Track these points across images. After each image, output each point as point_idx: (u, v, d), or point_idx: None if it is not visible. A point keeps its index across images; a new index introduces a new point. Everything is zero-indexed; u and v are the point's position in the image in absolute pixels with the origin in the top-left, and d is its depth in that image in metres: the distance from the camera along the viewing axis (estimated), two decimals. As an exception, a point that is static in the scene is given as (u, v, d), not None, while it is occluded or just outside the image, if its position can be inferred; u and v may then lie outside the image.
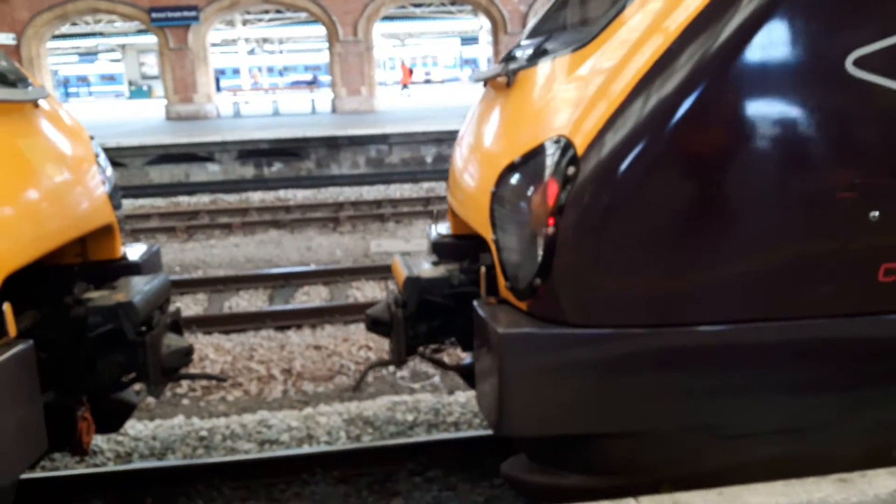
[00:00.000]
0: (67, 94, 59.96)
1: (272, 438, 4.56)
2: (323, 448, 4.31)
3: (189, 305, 8.02)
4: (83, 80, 67.31)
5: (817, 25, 2.40)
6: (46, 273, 3.37)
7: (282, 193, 15.75)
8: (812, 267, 2.50)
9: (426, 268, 3.40)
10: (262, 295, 8.33)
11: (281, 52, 57.38)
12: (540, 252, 2.51)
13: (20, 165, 2.92)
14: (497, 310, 2.71)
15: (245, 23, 41.18)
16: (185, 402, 5.47)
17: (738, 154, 2.43)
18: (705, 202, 2.44)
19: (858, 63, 2.39)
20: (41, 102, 3.32)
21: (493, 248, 2.81)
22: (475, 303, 2.82)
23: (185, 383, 5.67)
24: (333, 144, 18.54)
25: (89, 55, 62.59)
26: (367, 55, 27.89)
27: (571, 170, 2.44)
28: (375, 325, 3.43)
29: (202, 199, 15.48)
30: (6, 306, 2.53)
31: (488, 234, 2.86)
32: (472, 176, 3.30)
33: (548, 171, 2.52)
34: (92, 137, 3.75)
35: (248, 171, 18.48)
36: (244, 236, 11.73)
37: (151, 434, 4.64)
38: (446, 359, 4.57)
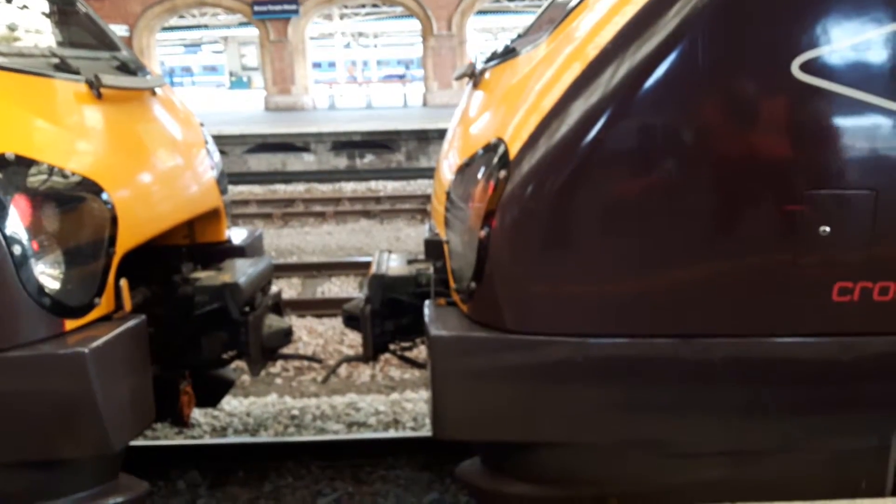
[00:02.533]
0: (172, 84, 62.37)
1: (360, 421, 4.67)
2: (409, 433, 4.39)
3: (284, 289, 8.27)
4: (186, 70, 70.09)
5: (762, 28, 2.22)
6: (156, 253, 3.55)
7: (373, 184, 16.02)
8: (758, 282, 2.33)
9: (395, 266, 3.37)
10: (353, 282, 8.53)
11: (375, 46, 58.08)
12: (474, 255, 2.47)
13: (139, 150, 3.09)
14: (443, 312, 2.66)
15: (342, 17, 41.93)
16: (279, 381, 5.66)
17: (673, 163, 2.30)
18: (638, 212, 2.31)
19: (805, 67, 2.19)
20: (157, 90, 3.50)
21: (446, 249, 2.78)
22: (426, 303, 2.77)
23: (278, 363, 5.87)
24: (424, 137, 18.74)
25: (193, 46, 65.06)
26: (460, 49, 28.00)
27: (503, 173, 2.37)
28: (349, 321, 3.40)
29: (297, 188, 15.91)
30: (123, 282, 2.68)
31: (443, 234, 2.84)
32: (439, 176, 3.27)
33: (484, 174, 2.47)
34: (202, 124, 3.92)
35: (342, 162, 18.90)
36: (336, 225, 12.03)
37: (246, 410, 4.84)
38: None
